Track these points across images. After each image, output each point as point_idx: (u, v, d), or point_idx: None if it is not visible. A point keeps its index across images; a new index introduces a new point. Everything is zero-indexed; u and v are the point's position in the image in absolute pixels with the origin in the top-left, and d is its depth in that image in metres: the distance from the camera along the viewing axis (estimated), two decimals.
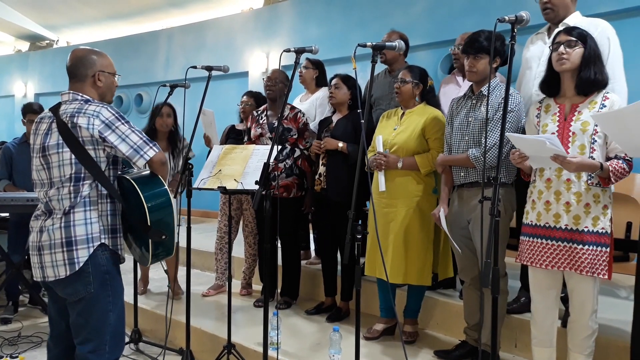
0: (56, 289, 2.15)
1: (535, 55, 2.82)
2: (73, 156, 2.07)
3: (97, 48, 2.29)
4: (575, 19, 2.67)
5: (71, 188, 2.08)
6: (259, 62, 7.50)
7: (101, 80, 2.20)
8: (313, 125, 3.88)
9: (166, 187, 2.17)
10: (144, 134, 2.15)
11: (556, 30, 2.53)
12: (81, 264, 2.06)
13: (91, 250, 2.08)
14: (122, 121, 2.11)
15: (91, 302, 2.11)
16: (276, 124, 2.96)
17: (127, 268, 3.07)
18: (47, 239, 2.08)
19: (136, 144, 2.10)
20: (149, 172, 2.19)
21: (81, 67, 2.18)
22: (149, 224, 2.08)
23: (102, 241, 2.12)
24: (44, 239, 2.09)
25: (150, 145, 2.13)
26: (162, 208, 2.14)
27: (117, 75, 2.29)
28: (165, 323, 3.05)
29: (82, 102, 2.13)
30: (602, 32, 2.58)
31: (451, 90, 3.44)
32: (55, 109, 2.15)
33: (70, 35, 10.80)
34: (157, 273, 4.58)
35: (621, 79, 2.57)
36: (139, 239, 2.21)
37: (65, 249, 2.06)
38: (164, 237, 2.12)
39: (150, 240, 2.12)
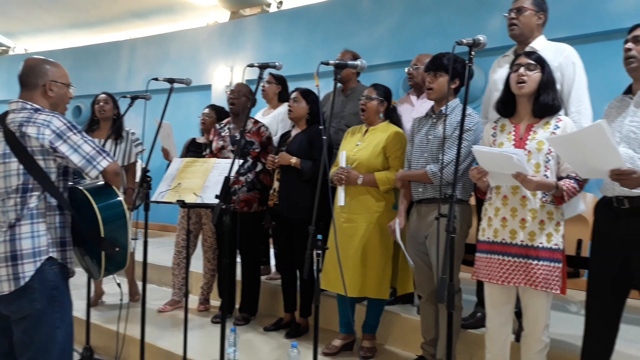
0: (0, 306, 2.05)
1: (502, 77, 2.88)
2: (21, 167, 2.01)
3: (56, 56, 2.26)
4: (541, 43, 2.76)
5: (18, 200, 2.01)
6: (223, 75, 7.48)
7: (53, 90, 2.14)
8: (274, 140, 3.88)
9: (120, 198, 2.13)
10: (97, 144, 2.10)
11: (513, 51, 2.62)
12: (27, 279, 1.98)
13: (38, 264, 2.00)
14: (74, 131, 2.05)
15: (37, 319, 2.01)
16: (238, 137, 2.95)
17: (80, 282, 2.97)
18: None
19: (89, 154, 2.05)
20: (102, 182, 2.14)
21: (32, 76, 2.13)
22: (102, 235, 2.03)
23: (50, 255, 2.04)
24: None
25: (104, 155, 2.08)
26: (116, 219, 2.10)
27: (71, 87, 2.23)
28: (117, 339, 2.96)
29: (31, 111, 2.06)
30: (568, 57, 2.68)
31: (405, 110, 3.51)
32: (2, 118, 2.07)
33: (28, 42, 10.52)
34: (113, 287, 4.45)
35: (587, 102, 2.66)
36: (90, 252, 2.15)
37: (9, 263, 1.98)
38: (117, 249, 2.07)
39: (102, 253, 2.06)
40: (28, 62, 2.17)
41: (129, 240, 2.14)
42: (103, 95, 4.08)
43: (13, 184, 2.01)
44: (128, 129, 4.12)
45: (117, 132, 3.99)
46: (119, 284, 3.05)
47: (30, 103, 2.10)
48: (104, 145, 3.95)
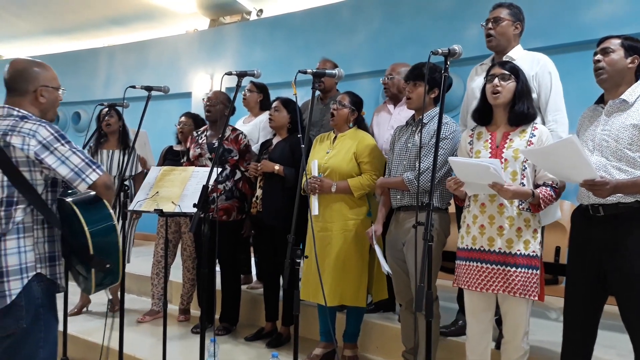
0: None
1: (479, 85, 2.91)
2: (5, 178, 1.89)
3: None
4: (518, 53, 2.79)
5: (2, 213, 1.90)
6: (203, 83, 7.44)
7: (44, 96, 2.01)
8: (255, 148, 3.87)
9: (111, 211, 2.01)
10: (87, 155, 1.98)
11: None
12: (13, 297, 1.88)
13: (25, 281, 1.90)
14: (62, 141, 1.92)
15: (21, 338, 1.92)
16: (216, 145, 2.93)
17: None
18: None
19: (77, 166, 1.92)
20: (93, 194, 2.02)
21: (21, 81, 1.99)
22: (91, 252, 1.92)
23: (38, 271, 1.94)
24: None
25: (93, 167, 1.95)
26: (106, 234, 1.98)
27: (61, 90, 2.10)
28: (101, 351, 2.90)
29: (17, 118, 1.92)
30: (544, 66, 2.72)
31: (383, 118, 3.53)
32: None
33: (4, 49, 10.35)
34: (96, 296, 4.38)
35: (563, 110, 2.70)
36: (82, 266, 2.05)
37: None
38: (108, 265, 1.97)
39: (92, 269, 1.96)
40: (15, 65, 2.02)
41: (120, 254, 2.02)
42: (106, 110, 4.05)
43: None
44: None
45: (124, 142, 4.03)
46: (110, 299, 2.98)
47: (17, 109, 1.97)
48: (112, 156, 3.92)
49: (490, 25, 2.80)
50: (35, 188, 1.94)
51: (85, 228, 1.92)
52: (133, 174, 4.02)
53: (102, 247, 1.96)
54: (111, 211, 2.02)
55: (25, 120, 1.94)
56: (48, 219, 1.98)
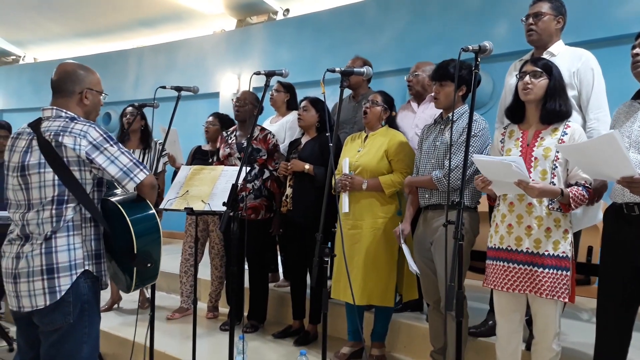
0: (32, 317, 2.00)
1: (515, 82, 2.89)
2: (56, 177, 1.94)
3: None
4: (559, 48, 2.72)
5: (53, 211, 1.95)
6: (230, 83, 7.51)
7: (88, 99, 2.08)
8: (283, 148, 3.89)
9: (154, 211, 2.07)
10: (134, 156, 2.05)
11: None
12: (62, 293, 1.94)
13: (74, 277, 1.96)
14: (111, 142, 2.00)
15: (66, 333, 1.97)
16: (245, 144, 2.95)
17: None
18: (24, 266, 1.94)
19: (126, 166, 1.99)
20: (135, 195, 2.08)
21: (69, 83, 2.05)
22: (135, 252, 1.97)
23: (86, 268, 2.00)
24: (21, 265, 1.94)
25: (141, 167, 2.03)
26: (150, 234, 2.04)
27: (103, 94, 2.17)
28: (132, 348, 2.96)
29: (67, 119, 1.99)
30: (586, 62, 2.64)
31: (407, 117, 3.50)
32: (35, 126, 2.01)
33: (37, 51, 10.61)
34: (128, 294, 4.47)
35: (605, 108, 2.63)
36: (122, 265, 2.09)
37: (45, 276, 1.93)
38: (149, 265, 2.02)
39: (134, 269, 2.01)
40: (63, 67, 2.09)
41: (161, 254, 2.07)
42: (129, 108, 4.15)
43: (48, 195, 1.95)
44: (156, 140, 4.19)
45: (145, 142, 4.10)
46: (148, 298, 3.03)
47: (65, 111, 2.04)
48: None
49: (530, 20, 2.73)
50: (84, 187, 1.99)
51: (131, 228, 1.97)
52: (154, 173, 4.07)
53: (145, 246, 2.01)
54: (154, 211, 2.07)
55: (75, 121, 2.00)
56: (95, 217, 2.03)
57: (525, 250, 2.29)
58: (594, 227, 3.41)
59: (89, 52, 9.50)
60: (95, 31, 9.20)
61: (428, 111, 3.32)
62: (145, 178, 2.03)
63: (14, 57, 10.91)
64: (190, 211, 2.79)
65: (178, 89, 3.06)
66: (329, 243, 3.30)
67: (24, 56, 10.86)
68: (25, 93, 9.66)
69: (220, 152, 3.83)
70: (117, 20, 8.70)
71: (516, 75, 2.43)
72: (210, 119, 4.33)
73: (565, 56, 2.59)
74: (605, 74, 2.69)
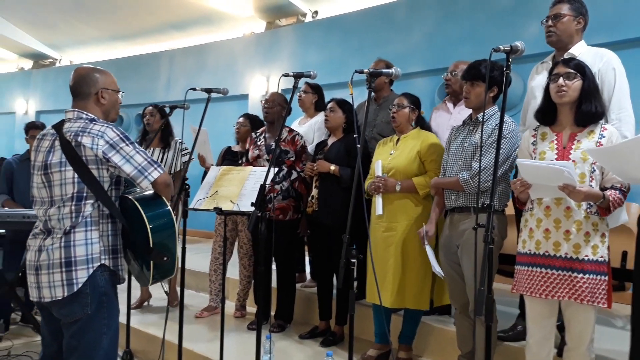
0: (52, 309, 2.11)
1: (540, 84, 2.81)
2: (76, 175, 2.05)
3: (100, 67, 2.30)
4: (580, 49, 2.68)
5: (73, 207, 2.05)
6: (259, 85, 7.58)
7: (104, 98, 2.18)
8: (310, 149, 3.90)
9: (169, 208, 2.16)
10: (149, 155, 2.14)
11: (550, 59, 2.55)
12: (79, 285, 2.03)
13: (90, 271, 2.05)
14: (127, 142, 2.09)
15: (86, 324, 2.06)
16: (274, 146, 2.98)
17: (122, 286, 3.05)
18: (45, 258, 2.04)
19: (140, 164, 2.08)
20: (152, 192, 2.17)
21: (84, 85, 2.17)
22: (151, 245, 2.07)
23: (103, 262, 2.09)
24: (42, 258, 2.05)
25: (155, 166, 2.11)
26: (165, 229, 2.13)
27: (120, 93, 2.27)
28: (162, 345, 3.01)
29: (86, 120, 2.10)
30: (608, 62, 2.59)
31: (442, 117, 3.48)
32: (58, 127, 2.13)
33: (73, 54, 10.91)
34: (156, 290, 4.55)
35: (629, 109, 2.57)
36: (140, 259, 2.18)
37: (64, 269, 2.03)
38: (165, 258, 2.10)
39: (151, 262, 2.10)
40: (78, 71, 2.21)
41: (177, 249, 2.16)
42: (149, 108, 4.28)
43: (68, 192, 2.05)
44: (177, 139, 4.27)
45: (165, 141, 4.18)
46: (166, 292, 3.10)
47: (85, 112, 2.14)
48: (152, 154, 4.08)
49: (550, 22, 2.70)
50: (102, 185, 2.09)
51: (147, 223, 2.06)
52: (172, 172, 4.15)
53: (161, 241, 2.10)
54: (169, 208, 2.16)
55: (94, 122, 2.11)
56: (113, 214, 2.13)
57: (563, 256, 2.23)
58: (628, 232, 3.33)
59: (122, 54, 9.72)
60: (129, 34, 9.40)
61: (464, 112, 3.27)
62: (159, 176, 2.12)
63: (51, 60, 11.24)
64: (219, 211, 2.83)
65: (208, 90, 3.10)
66: (354, 245, 3.29)
67: (61, 59, 11.17)
68: (61, 95, 9.93)
69: (250, 153, 3.86)
70: (150, 24, 8.88)
71: (547, 78, 2.38)
72: (241, 119, 4.37)
73: (586, 57, 2.54)
74: (638, 74, 2.62)
